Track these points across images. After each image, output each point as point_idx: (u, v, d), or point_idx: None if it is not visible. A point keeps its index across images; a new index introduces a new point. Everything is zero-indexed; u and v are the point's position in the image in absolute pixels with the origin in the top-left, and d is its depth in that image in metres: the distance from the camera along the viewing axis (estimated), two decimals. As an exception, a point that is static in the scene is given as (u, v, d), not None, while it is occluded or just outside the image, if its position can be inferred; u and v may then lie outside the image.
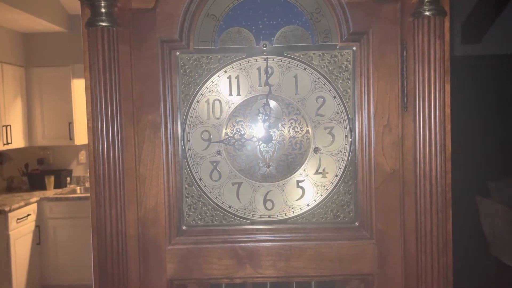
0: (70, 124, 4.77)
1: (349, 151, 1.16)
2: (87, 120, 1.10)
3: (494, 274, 4.18)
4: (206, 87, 1.16)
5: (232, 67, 1.16)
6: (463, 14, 4.77)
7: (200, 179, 1.17)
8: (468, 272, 3.82)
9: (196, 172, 1.17)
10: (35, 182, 4.89)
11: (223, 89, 1.16)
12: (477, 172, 4.83)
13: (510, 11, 4.69)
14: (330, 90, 1.16)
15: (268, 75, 1.16)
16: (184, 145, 1.17)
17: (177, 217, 1.16)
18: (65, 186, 5.00)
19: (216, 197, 1.18)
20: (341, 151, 1.17)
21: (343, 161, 1.17)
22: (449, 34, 1.11)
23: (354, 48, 1.14)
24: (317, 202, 1.17)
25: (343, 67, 1.15)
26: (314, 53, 1.15)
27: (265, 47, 1.15)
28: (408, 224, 1.11)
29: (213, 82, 1.16)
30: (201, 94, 1.16)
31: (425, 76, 1.06)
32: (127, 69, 1.10)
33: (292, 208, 1.17)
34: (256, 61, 1.16)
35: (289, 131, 1.16)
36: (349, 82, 1.15)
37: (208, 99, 1.16)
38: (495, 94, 4.96)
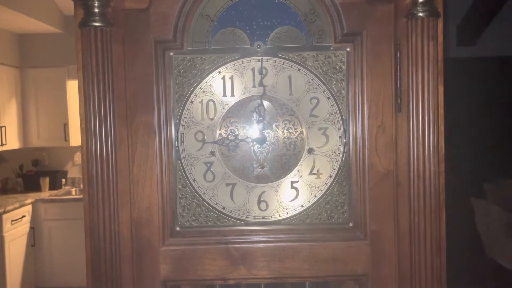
0: (65, 125, 4.75)
1: (343, 152, 1.16)
2: (80, 120, 1.09)
3: (489, 275, 4.19)
4: (200, 88, 1.16)
5: (226, 67, 1.16)
6: (458, 16, 4.79)
7: (194, 180, 1.17)
8: (463, 273, 3.83)
9: (190, 173, 1.17)
10: (30, 184, 4.87)
11: (217, 89, 1.16)
12: (473, 174, 4.85)
13: (504, 13, 4.71)
14: (324, 91, 1.16)
15: (262, 75, 1.16)
16: (178, 146, 1.16)
17: (171, 218, 1.15)
18: (60, 188, 4.97)
19: (210, 198, 1.17)
20: (335, 152, 1.17)
21: (337, 162, 1.17)
22: (444, 36, 1.11)
23: (348, 49, 1.14)
24: (311, 203, 1.17)
25: (337, 68, 1.15)
26: (308, 54, 1.15)
27: (259, 47, 1.15)
28: (402, 225, 1.11)
29: (207, 83, 1.16)
30: (195, 94, 1.16)
31: (418, 77, 1.06)
32: (121, 69, 1.10)
33: (286, 209, 1.17)
34: (250, 61, 1.15)
35: (283, 132, 1.16)
36: (343, 83, 1.15)
37: (202, 100, 1.16)
38: (490, 96, 4.98)
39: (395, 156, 1.11)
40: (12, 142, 4.57)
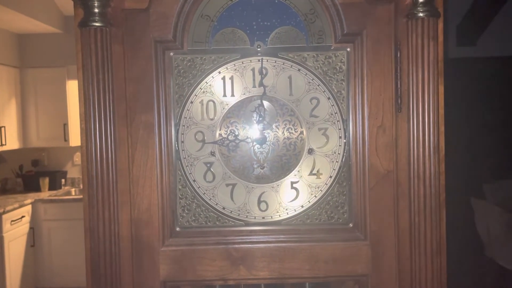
0: (65, 126, 4.74)
1: (343, 152, 1.16)
2: (80, 120, 1.09)
3: (489, 275, 4.19)
4: (200, 88, 1.16)
5: (226, 68, 1.15)
6: (458, 16, 4.79)
7: (194, 180, 1.17)
8: (463, 274, 3.83)
9: (190, 173, 1.17)
10: (30, 184, 4.86)
11: (217, 90, 1.16)
12: (472, 174, 4.84)
13: (505, 13, 4.71)
14: (324, 91, 1.16)
15: (263, 76, 1.15)
16: (177, 146, 1.16)
17: (171, 219, 1.15)
18: (60, 188, 4.97)
19: (210, 199, 1.17)
20: (335, 152, 1.16)
21: (337, 162, 1.16)
22: (444, 36, 1.11)
23: (348, 49, 1.14)
24: (311, 203, 1.17)
25: (337, 68, 1.15)
26: (308, 54, 1.15)
27: (259, 48, 1.15)
28: (402, 225, 1.11)
29: (207, 83, 1.16)
30: (195, 95, 1.16)
31: (418, 77, 1.06)
32: (121, 69, 1.10)
33: (286, 210, 1.17)
34: (251, 62, 1.15)
35: (283, 132, 1.16)
36: (343, 83, 1.15)
37: (202, 100, 1.16)
38: (490, 96, 4.98)
39: (395, 157, 1.11)
40: (12, 142, 4.57)
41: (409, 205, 1.09)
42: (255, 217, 1.17)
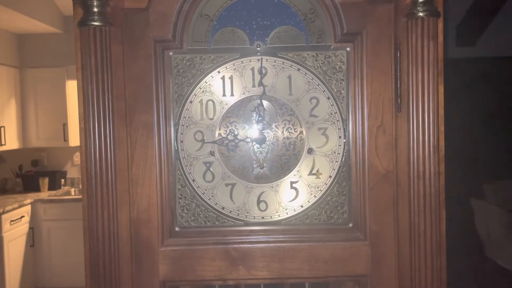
0: (64, 126, 4.74)
1: (343, 152, 1.16)
2: (79, 120, 1.09)
3: (489, 275, 4.19)
4: (200, 88, 1.15)
5: (226, 67, 1.15)
6: (458, 16, 4.79)
7: (193, 180, 1.17)
8: (463, 274, 3.83)
9: (189, 173, 1.16)
10: (29, 184, 4.86)
11: (216, 89, 1.16)
12: (472, 174, 4.84)
13: (504, 13, 4.71)
14: (324, 91, 1.15)
15: (262, 75, 1.15)
16: (177, 145, 1.16)
17: (170, 219, 1.15)
18: (60, 188, 4.96)
19: (210, 198, 1.17)
20: (335, 152, 1.16)
21: (337, 162, 1.16)
22: (444, 36, 1.11)
23: (348, 49, 1.14)
24: (311, 203, 1.17)
25: (337, 67, 1.15)
26: (308, 54, 1.15)
27: (259, 47, 1.15)
28: (401, 225, 1.11)
29: (206, 83, 1.15)
30: (195, 94, 1.15)
31: (418, 77, 1.06)
32: (120, 69, 1.09)
33: (286, 209, 1.17)
34: (250, 61, 1.15)
35: (283, 132, 1.16)
36: (343, 82, 1.15)
37: (201, 100, 1.16)
38: (490, 96, 4.99)
39: (395, 156, 1.11)
40: (12, 142, 4.57)
41: (409, 205, 1.09)
42: (254, 217, 1.17)
